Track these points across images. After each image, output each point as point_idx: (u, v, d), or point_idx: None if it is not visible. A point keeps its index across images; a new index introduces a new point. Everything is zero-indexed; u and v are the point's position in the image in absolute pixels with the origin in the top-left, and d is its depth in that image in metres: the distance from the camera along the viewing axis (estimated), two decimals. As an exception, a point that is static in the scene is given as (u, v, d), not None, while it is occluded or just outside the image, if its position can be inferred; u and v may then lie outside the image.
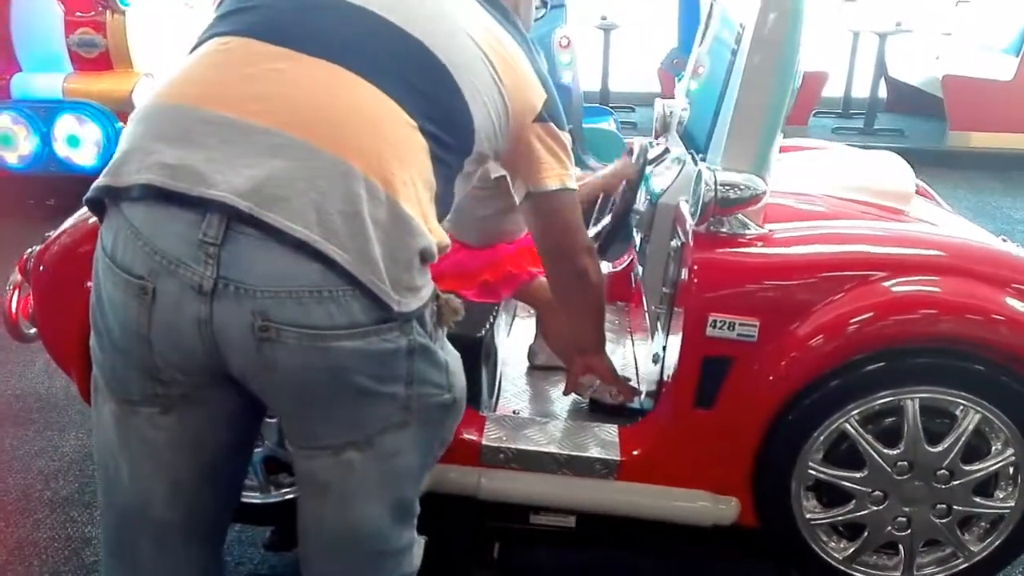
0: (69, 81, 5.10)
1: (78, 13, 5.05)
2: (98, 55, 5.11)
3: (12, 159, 4.98)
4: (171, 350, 1.22)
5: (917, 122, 7.86)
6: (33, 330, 2.23)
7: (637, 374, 2.57)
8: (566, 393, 2.31)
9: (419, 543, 1.52)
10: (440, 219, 1.35)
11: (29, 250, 2.20)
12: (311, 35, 1.29)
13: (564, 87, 4.73)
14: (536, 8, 1.81)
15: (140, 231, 1.19)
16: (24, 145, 4.95)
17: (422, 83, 1.31)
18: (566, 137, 1.63)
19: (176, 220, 1.17)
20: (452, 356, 1.41)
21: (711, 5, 2.71)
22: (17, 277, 2.24)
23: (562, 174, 1.62)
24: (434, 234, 1.29)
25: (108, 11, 4.93)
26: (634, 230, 2.56)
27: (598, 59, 7.57)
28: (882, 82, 8.04)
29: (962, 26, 8.06)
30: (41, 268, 2.11)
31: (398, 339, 1.24)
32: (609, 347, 2.69)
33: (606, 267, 2.98)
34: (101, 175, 1.26)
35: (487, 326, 2.18)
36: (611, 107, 6.50)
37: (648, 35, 7.39)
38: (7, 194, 4.71)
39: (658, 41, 6.11)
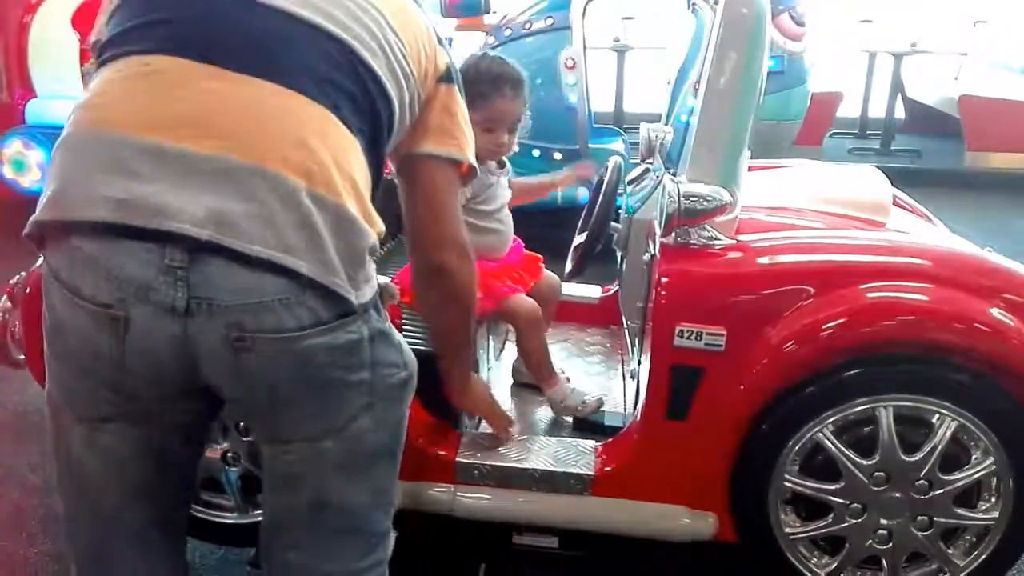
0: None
1: (93, 42, 5.17)
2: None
3: (25, 183, 5.10)
4: (145, 370, 1.26)
5: (934, 142, 7.77)
6: (22, 356, 2.27)
7: (624, 392, 2.55)
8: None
9: (392, 535, 1.52)
10: (373, 200, 1.38)
11: (17, 276, 2.24)
12: (233, 48, 1.28)
13: (570, 108, 4.76)
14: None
15: (99, 262, 1.21)
16: (36, 171, 5.05)
17: (345, 81, 1.32)
18: (462, 104, 1.52)
19: (137, 250, 1.20)
20: (398, 334, 1.46)
21: (694, 10, 2.72)
22: (7, 303, 2.29)
23: (448, 142, 1.49)
24: (375, 226, 1.34)
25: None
26: (615, 247, 2.56)
27: (613, 81, 7.65)
28: (899, 102, 7.99)
29: (979, 46, 7.99)
30: (27, 291, 2.15)
31: (360, 328, 1.30)
32: (599, 369, 2.71)
33: (596, 291, 2.99)
34: (40, 209, 1.26)
35: (464, 344, 2.18)
36: (626, 128, 6.52)
37: (664, 57, 7.42)
38: (21, 218, 4.76)
39: (675, 63, 6.12)
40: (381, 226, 1.36)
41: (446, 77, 1.48)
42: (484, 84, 2.25)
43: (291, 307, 1.23)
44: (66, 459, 1.39)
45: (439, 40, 1.49)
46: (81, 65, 5.04)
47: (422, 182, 1.52)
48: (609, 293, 2.99)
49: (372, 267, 1.35)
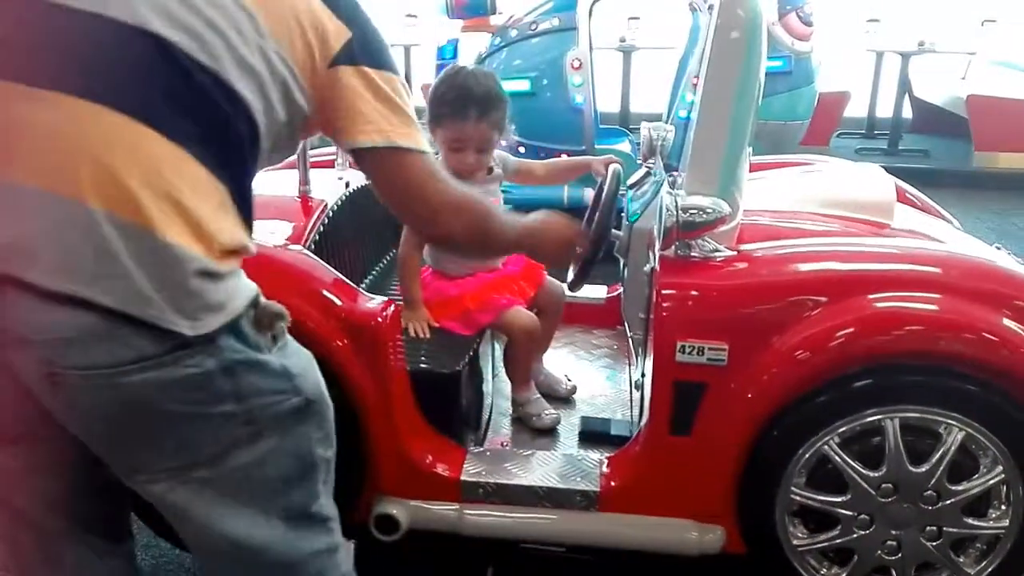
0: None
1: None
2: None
3: None
4: None
5: (942, 142, 7.72)
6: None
7: (631, 399, 2.54)
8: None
9: (345, 547, 1.48)
10: (245, 210, 1.25)
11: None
12: (44, 64, 1.15)
13: (576, 109, 4.75)
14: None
15: None
16: None
17: (170, 86, 1.17)
18: (391, 81, 1.35)
19: None
20: (295, 358, 1.32)
21: (693, 12, 2.71)
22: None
23: (383, 127, 1.34)
24: (212, 247, 1.18)
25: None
26: (617, 255, 2.54)
27: (619, 81, 7.64)
28: (907, 102, 7.95)
29: (987, 45, 7.94)
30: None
31: (204, 362, 1.19)
32: (607, 372, 2.70)
33: (601, 291, 2.98)
34: None
35: (465, 360, 2.18)
36: (632, 128, 6.51)
37: (672, 57, 7.42)
38: None
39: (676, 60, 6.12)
40: (227, 240, 1.20)
41: (344, 58, 1.30)
42: (449, 104, 2.23)
43: (102, 341, 1.14)
44: None
45: (340, 15, 1.30)
46: None
47: (373, 176, 1.42)
48: (615, 294, 2.98)
49: (219, 294, 1.20)
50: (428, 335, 2.25)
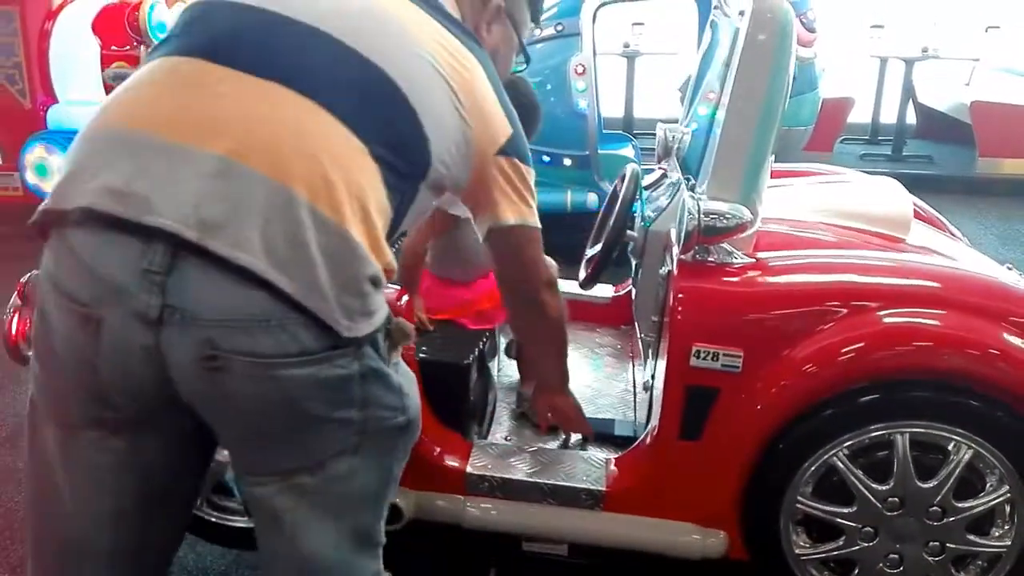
0: (102, 114, 5.20)
1: (114, 47, 5.14)
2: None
3: (47, 188, 5.02)
4: (119, 377, 1.20)
5: (946, 148, 7.73)
6: (31, 352, 2.26)
7: (635, 399, 2.54)
8: (542, 432, 2.26)
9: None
10: (390, 237, 1.33)
11: (29, 273, 2.22)
12: (263, 57, 1.26)
13: (580, 114, 4.74)
14: (517, 63, 1.78)
15: (82, 257, 1.18)
16: (58, 176, 5.00)
17: (375, 107, 1.28)
18: (530, 173, 1.58)
19: (120, 247, 1.15)
20: (407, 378, 1.37)
21: (712, 23, 2.70)
22: (17, 301, 2.27)
23: (522, 209, 1.57)
24: (382, 258, 1.26)
25: (143, 46, 5.00)
26: (630, 256, 2.54)
27: (623, 87, 7.61)
28: (911, 108, 7.95)
29: (991, 51, 7.94)
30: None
31: (350, 364, 1.22)
32: (611, 372, 2.70)
33: (608, 290, 2.97)
34: (46, 198, 1.24)
35: (475, 353, 2.17)
36: (635, 134, 6.51)
37: (676, 62, 7.39)
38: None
39: (686, 68, 6.12)
40: (390, 260, 1.29)
41: (506, 150, 1.49)
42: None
43: (271, 330, 1.15)
44: (37, 469, 1.32)
45: (507, 114, 1.50)
46: (102, 71, 5.04)
47: (510, 248, 1.62)
48: (621, 293, 2.98)
49: (379, 300, 1.27)
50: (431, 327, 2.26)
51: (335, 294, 1.18)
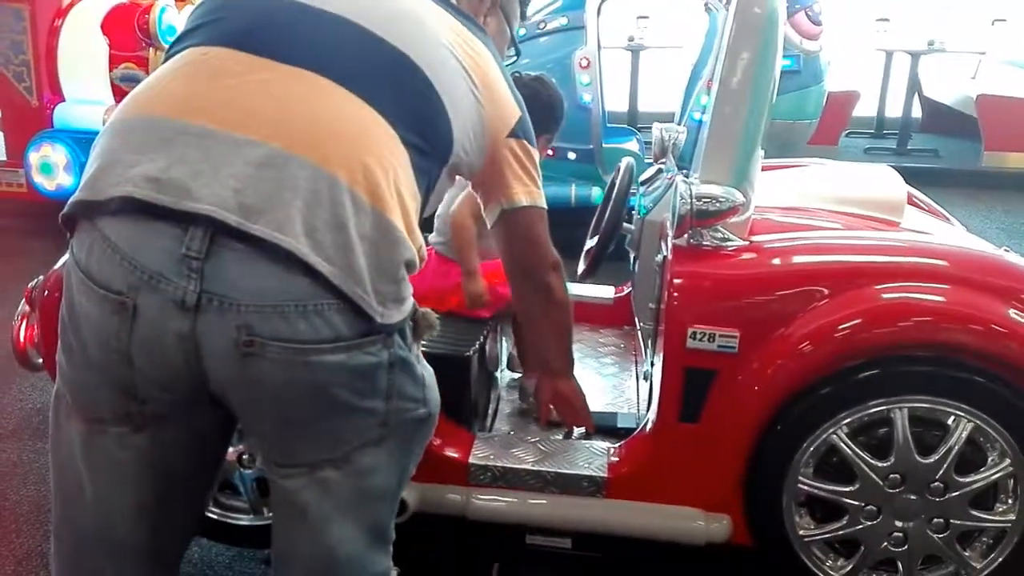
0: (110, 113, 5.18)
1: (122, 49, 5.15)
2: (139, 90, 5.23)
3: (51, 187, 5.09)
4: (152, 366, 1.21)
5: (952, 142, 7.72)
6: (40, 359, 2.28)
7: (638, 395, 2.55)
8: (543, 425, 2.25)
9: (394, 573, 1.47)
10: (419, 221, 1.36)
11: (36, 279, 2.25)
12: (292, 45, 1.29)
13: (584, 107, 4.77)
14: (508, 56, 1.82)
15: (117, 245, 1.18)
16: (63, 174, 5.06)
17: (403, 93, 1.31)
18: (536, 154, 1.63)
19: (157, 234, 1.16)
20: (427, 371, 1.38)
21: (708, 9, 2.72)
22: (25, 307, 2.30)
23: (532, 191, 1.62)
24: (415, 242, 1.29)
25: (151, 48, 5.01)
26: (628, 248, 2.55)
27: (627, 80, 7.65)
28: (916, 102, 7.94)
29: (997, 45, 7.93)
30: (45, 294, 2.17)
31: (380, 352, 1.23)
32: (613, 371, 2.70)
33: (609, 292, 2.98)
34: (77, 190, 1.25)
35: (476, 344, 2.19)
36: (640, 127, 6.53)
37: (681, 56, 7.43)
38: (47, 221, 4.75)
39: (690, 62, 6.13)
40: (423, 245, 1.32)
41: (516, 132, 1.54)
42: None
43: (308, 316, 1.16)
44: (60, 461, 1.34)
45: (516, 98, 1.54)
46: (110, 70, 5.08)
47: (520, 228, 1.67)
48: (622, 294, 2.99)
49: (409, 288, 1.29)
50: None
51: (372, 279, 1.20)
